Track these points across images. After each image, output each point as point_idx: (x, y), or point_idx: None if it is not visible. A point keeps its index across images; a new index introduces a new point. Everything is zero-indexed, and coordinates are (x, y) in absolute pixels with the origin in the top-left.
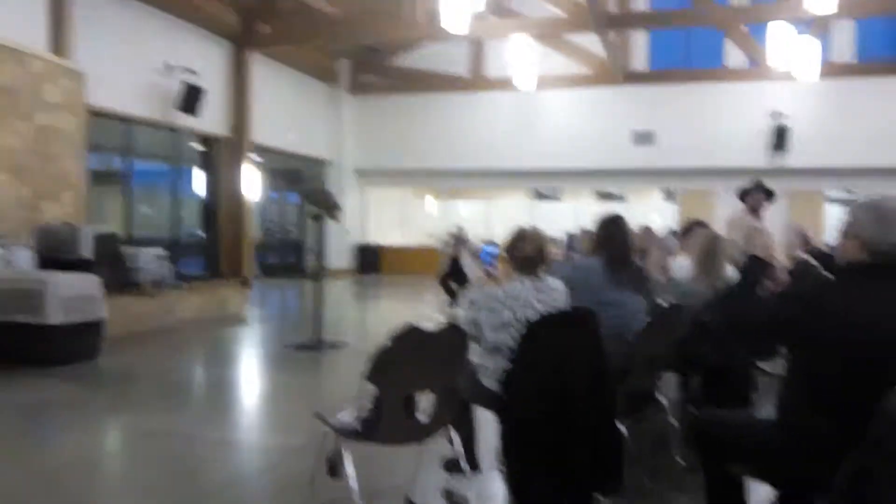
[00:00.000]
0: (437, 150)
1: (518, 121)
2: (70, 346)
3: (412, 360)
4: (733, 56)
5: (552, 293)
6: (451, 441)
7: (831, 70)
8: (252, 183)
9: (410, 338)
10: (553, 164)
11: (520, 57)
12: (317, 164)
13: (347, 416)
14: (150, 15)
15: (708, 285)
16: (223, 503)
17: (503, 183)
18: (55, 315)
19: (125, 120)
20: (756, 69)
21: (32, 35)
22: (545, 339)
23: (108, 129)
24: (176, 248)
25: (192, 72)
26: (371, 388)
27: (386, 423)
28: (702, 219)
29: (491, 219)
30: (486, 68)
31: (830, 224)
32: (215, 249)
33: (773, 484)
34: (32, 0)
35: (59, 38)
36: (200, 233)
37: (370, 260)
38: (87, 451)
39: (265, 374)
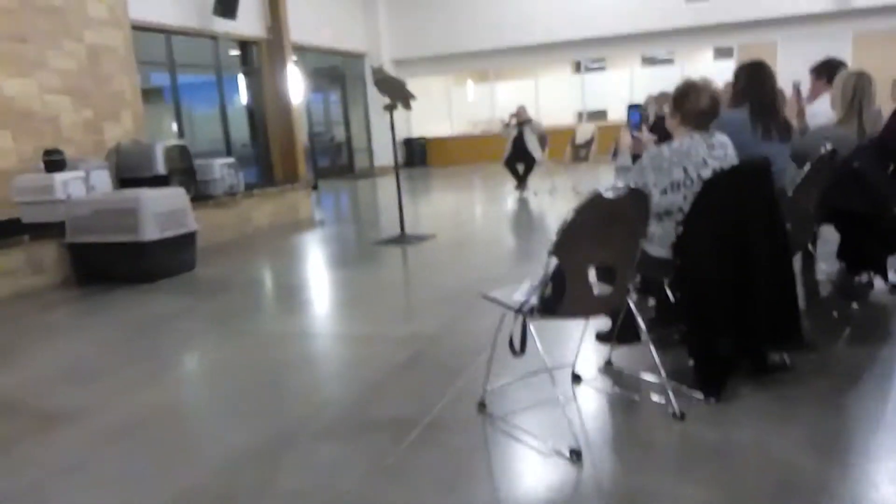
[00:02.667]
0: (475, 31)
1: None
2: (167, 261)
3: (597, 230)
4: None
5: (724, 148)
6: (620, 313)
7: None
8: (295, 85)
9: (595, 207)
10: (597, 31)
11: None
12: (356, 59)
13: (520, 295)
14: None
15: (855, 129)
16: (394, 393)
17: (546, 57)
18: (151, 231)
19: (165, 32)
20: None
21: None
22: (724, 196)
23: (150, 43)
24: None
25: None
26: (552, 263)
27: (570, 296)
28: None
29: (537, 98)
30: None
31: None
32: (267, 156)
33: None
34: None
35: None
36: (249, 142)
37: (417, 153)
38: (227, 356)
39: (364, 270)
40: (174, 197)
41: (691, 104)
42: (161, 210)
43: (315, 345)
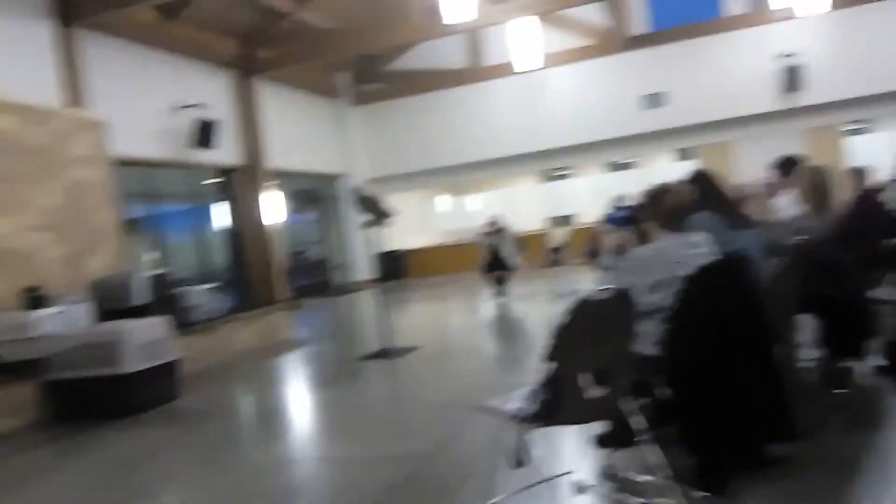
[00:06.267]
0: (446, 147)
1: (522, 104)
2: (148, 392)
3: (588, 334)
4: (733, 2)
5: (700, 245)
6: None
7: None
8: (273, 208)
9: (585, 310)
10: (562, 141)
11: (520, 38)
12: (331, 180)
13: (513, 404)
14: (154, 57)
15: (824, 218)
16: None
17: (515, 168)
18: (132, 363)
19: (145, 165)
20: (759, 12)
21: (48, 92)
22: (705, 291)
23: (129, 176)
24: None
25: (203, 106)
26: (547, 369)
27: (569, 402)
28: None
29: (507, 207)
30: (483, 57)
31: (849, 158)
32: (247, 279)
33: None
34: (44, 58)
35: (73, 91)
36: (229, 265)
37: (394, 266)
38: (210, 493)
39: (351, 388)
40: (154, 327)
41: (661, 206)
42: (141, 341)
43: (303, 471)
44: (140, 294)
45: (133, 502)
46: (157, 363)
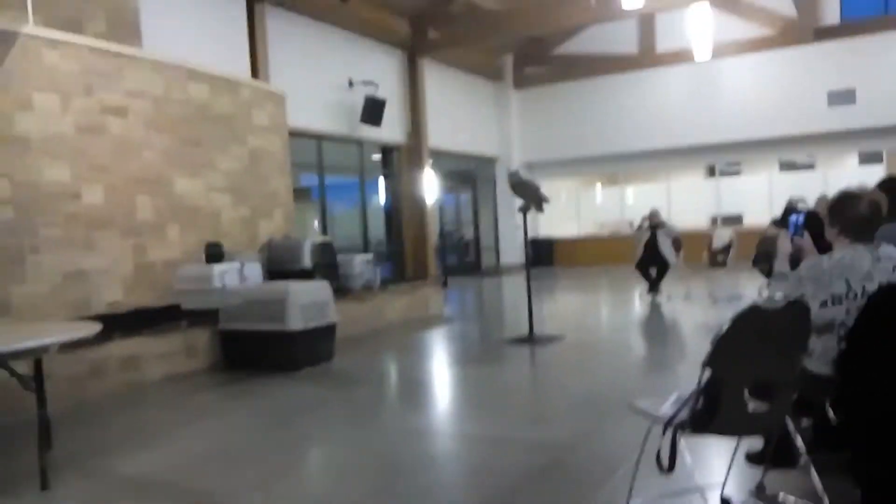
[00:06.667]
0: (607, 135)
1: (693, 94)
2: (309, 350)
3: (755, 343)
4: None
5: (892, 260)
6: (778, 433)
7: None
8: (430, 186)
9: (753, 318)
10: (734, 135)
11: (696, 26)
12: (487, 162)
13: (668, 408)
14: (330, 34)
15: None
16: (528, 502)
17: (678, 162)
18: (296, 321)
19: (316, 137)
20: None
21: (236, 64)
22: (893, 311)
23: (301, 147)
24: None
25: (373, 84)
26: (706, 376)
27: (724, 412)
28: None
29: (668, 201)
30: (655, 44)
31: None
32: (401, 253)
33: None
34: (235, 31)
35: (257, 64)
36: (384, 239)
37: (544, 253)
38: (358, 451)
39: (494, 369)
40: (319, 290)
41: (849, 213)
42: (306, 302)
43: (443, 444)
44: (307, 258)
45: (287, 453)
46: (318, 324)
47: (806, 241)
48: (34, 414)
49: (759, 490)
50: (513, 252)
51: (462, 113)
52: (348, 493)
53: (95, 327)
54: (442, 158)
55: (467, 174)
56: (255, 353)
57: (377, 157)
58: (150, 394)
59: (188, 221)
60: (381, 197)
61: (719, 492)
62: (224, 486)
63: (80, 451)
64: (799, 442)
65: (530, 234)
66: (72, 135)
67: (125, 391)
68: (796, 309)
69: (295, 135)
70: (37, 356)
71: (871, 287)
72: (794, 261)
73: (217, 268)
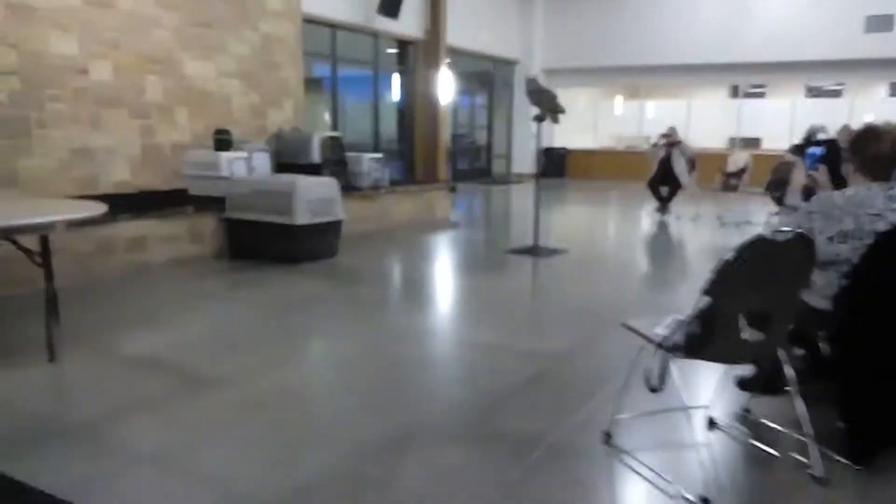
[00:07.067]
0: (633, 46)
1: (724, 10)
2: (313, 245)
3: (757, 274)
4: None
5: None
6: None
7: None
8: (445, 86)
9: (758, 249)
10: (761, 56)
11: None
12: (506, 65)
13: (662, 330)
14: None
15: None
16: (519, 407)
17: (701, 78)
18: (303, 216)
19: (330, 26)
20: None
21: None
22: None
23: (314, 35)
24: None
25: None
26: (704, 301)
27: (718, 340)
28: None
29: (687, 119)
30: None
31: None
32: (411, 154)
33: None
34: None
35: None
36: (396, 138)
37: (557, 163)
38: (357, 345)
39: (495, 278)
40: (326, 186)
41: (871, 150)
42: (314, 197)
43: (441, 346)
44: (316, 153)
45: (287, 343)
46: (324, 220)
47: (822, 174)
48: (43, 288)
49: (745, 413)
50: (525, 161)
51: (485, 10)
52: (348, 383)
53: (101, 207)
54: (460, 58)
55: (484, 76)
56: (260, 243)
57: (392, 51)
58: (155, 275)
59: (197, 105)
60: (395, 94)
61: (705, 412)
62: (225, 369)
63: (86, 327)
64: (790, 371)
65: (544, 143)
66: (79, 6)
67: (131, 271)
68: (802, 242)
69: (308, 22)
70: (42, 233)
71: (881, 226)
72: (808, 193)
73: (225, 156)
